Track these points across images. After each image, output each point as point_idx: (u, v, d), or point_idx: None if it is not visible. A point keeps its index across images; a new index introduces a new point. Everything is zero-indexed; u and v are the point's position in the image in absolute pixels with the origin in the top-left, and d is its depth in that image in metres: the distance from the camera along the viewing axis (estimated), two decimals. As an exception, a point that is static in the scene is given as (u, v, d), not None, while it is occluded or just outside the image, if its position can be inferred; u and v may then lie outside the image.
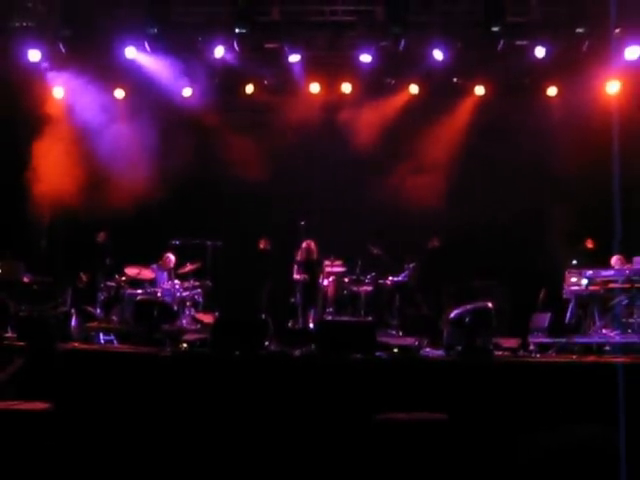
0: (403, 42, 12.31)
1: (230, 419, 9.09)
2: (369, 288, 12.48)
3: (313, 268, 12.43)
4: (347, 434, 8.81)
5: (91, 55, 13.12)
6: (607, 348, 11.06)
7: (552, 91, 13.60)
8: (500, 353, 10.77)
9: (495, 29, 11.91)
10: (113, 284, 12.36)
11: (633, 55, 12.27)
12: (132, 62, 13.03)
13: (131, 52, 12.78)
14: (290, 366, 9.82)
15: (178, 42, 12.88)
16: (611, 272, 11.83)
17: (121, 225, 13.13)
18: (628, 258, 11.92)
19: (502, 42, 12.18)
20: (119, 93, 13.94)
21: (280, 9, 12.39)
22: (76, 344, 10.93)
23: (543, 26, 12.22)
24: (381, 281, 12.55)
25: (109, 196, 13.08)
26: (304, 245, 12.45)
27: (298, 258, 12.43)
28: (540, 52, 12.47)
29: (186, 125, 13.88)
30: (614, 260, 12.01)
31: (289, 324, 11.99)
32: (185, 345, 11.12)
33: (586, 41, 12.25)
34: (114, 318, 12.23)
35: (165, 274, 12.66)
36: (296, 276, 12.44)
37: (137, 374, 9.52)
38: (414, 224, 13.40)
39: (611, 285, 11.68)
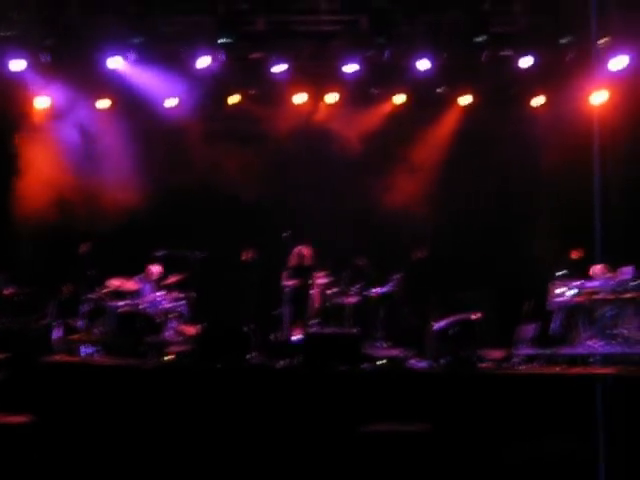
0: (388, 52, 12.32)
1: (214, 431, 9.08)
2: (354, 299, 12.42)
3: (304, 275, 12.30)
4: (332, 446, 8.81)
5: (75, 64, 13.01)
6: (592, 359, 11.05)
7: (537, 101, 13.62)
8: (485, 365, 10.78)
9: (479, 39, 11.93)
10: (96, 296, 12.21)
11: (618, 66, 12.28)
12: (116, 72, 12.94)
13: (115, 62, 12.69)
14: (273, 378, 9.81)
15: (162, 52, 12.80)
16: (596, 283, 11.81)
17: (105, 236, 13.06)
18: (612, 268, 11.94)
19: (487, 52, 12.19)
20: (103, 103, 13.84)
21: (265, 19, 12.32)
22: (58, 356, 10.91)
23: (528, 36, 12.19)
24: (366, 292, 12.49)
25: (93, 207, 13.04)
26: (296, 250, 12.35)
27: (290, 264, 12.34)
28: (525, 62, 12.47)
29: (171, 135, 13.84)
30: (598, 269, 12.00)
31: (273, 336, 11.89)
32: (168, 357, 11.10)
33: (571, 51, 12.26)
34: (97, 330, 12.04)
35: (149, 286, 12.55)
36: (285, 282, 12.30)
37: (120, 387, 9.49)
38: (400, 235, 13.40)
39: (596, 296, 11.67)
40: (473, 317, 11.28)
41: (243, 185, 13.48)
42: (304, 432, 9.03)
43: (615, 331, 11.43)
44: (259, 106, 13.86)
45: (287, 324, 12.15)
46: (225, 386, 9.55)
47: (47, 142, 13.64)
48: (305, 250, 12.34)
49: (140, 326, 11.61)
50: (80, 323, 12.15)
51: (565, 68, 12.57)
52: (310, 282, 12.26)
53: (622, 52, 12.20)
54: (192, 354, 10.60)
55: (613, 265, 11.92)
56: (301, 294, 12.27)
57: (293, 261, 12.35)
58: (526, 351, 11.38)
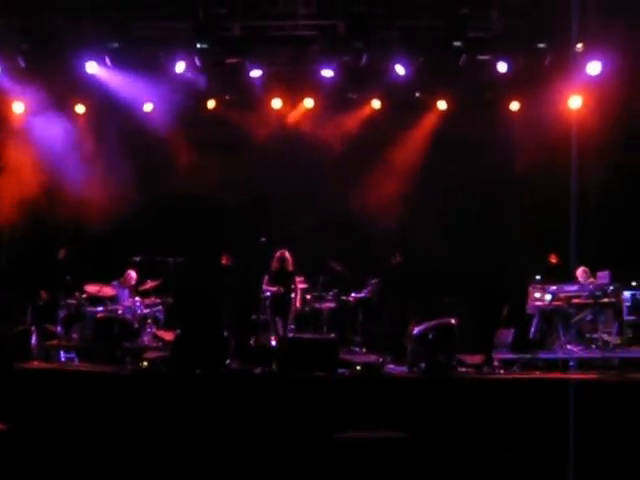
0: (365, 57, 12.28)
1: (191, 438, 9.01)
2: (332, 304, 12.40)
3: (286, 279, 12.23)
4: (308, 453, 8.76)
5: (51, 69, 12.95)
6: (571, 364, 11.08)
7: (514, 106, 13.64)
8: (464, 369, 10.80)
9: (457, 44, 11.93)
10: (73, 301, 12.18)
11: (595, 70, 12.32)
12: (93, 77, 12.88)
13: (92, 67, 12.64)
14: (251, 384, 9.76)
15: (139, 57, 12.75)
16: (575, 287, 11.87)
17: (82, 242, 13.03)
18: (592, 272, 11.98)
19: (464, 57, 12.18)
20: (80, 108, 13.80)
21: (241, 24, 12.28)
22: (35, 362, 10.89)
23: (505, 41, 12.21)
24: (344, 297, 12.48)
25: (70, 212, 12.95)
26: (278, 254, 12.25)
27: (272, 268, 12.27)
28: (502, 67, 12.50)
29: (148, 141, 13.77)
30: (579, 272, 12.05)
31: (251, 341, 11.86)
32: (146, 363, 11.08)
33: (548, 56, 12.27)
34: (74, 336, 12.07)
35: (126, 291, 12.51)
36: (267, 287, 12.21)
37: (98, 393, 9.41)
38: (376, 240, 13.38)
39: (575, 300, 11.71)
40: (452, 322, 11.29)
41: (221, 190, 13.44)
42: (281, 439, 8.97)
43: (594, 335, 11.49)
44: (237, 111, 13.83)
45: (271, 329, 12.12)
46: (203, 392, 9.48)
47: (24, 147, 13.56)
48: (287, 253, 12.28)
49: (118, 332, 11.60)
50: (58, 328, 12.13)
51: (542, 73, 12.58)
52: (293, 287, 12.22)
53: (597, 57, 12.23)
54: (170, 360, 10.53)
55: (591, 269, 12.00)
56: (282, 299, 12.20)
57: (275, 265, 12.27)
58: (505, 355, 11.43)
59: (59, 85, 13.27)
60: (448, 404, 9.22)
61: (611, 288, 11.61)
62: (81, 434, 9.02)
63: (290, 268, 12.26)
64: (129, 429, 9.07)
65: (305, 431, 8.98)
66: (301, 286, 12.41)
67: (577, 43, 12.00)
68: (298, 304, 12.24)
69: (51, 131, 13.57)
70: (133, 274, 12.59)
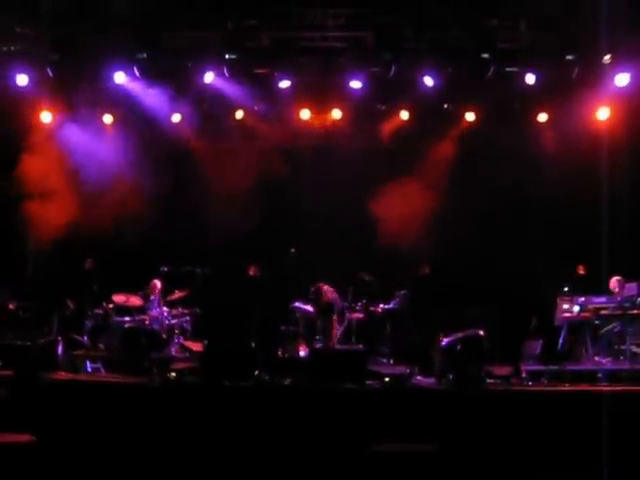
0: (394, 68, 12.28)
1: (221, 450, 8.99)
2: (360, 315, 12.38)
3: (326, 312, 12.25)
4: (338, 465, 8.72)
5: (79, 80, 13.04)
6: (599, 375, 11.00)
7: (542, 117, 13.57)
8: (492, 381, 10.72)
9: (485, 55, 11.93)
10: (100, 311, 12.23)
11: (623, 82, 12.27)
12: (121, 87, 12.94)
13: (120, 77, 12.67)
14: (280, 396, 9.74)
15: (167, 67, 12.79)
16: (603, 299, 11.80)
17: (109, 252, 13.09)
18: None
19: (492, 68, 12.17)
20: (108, 118, 13.84)
21: (270, 35, 12.32)
22: (62, 373, 10.81)
23: (533, 53, 12.18)
24: (372, 308, 12.46)
25: (97, 222, 12.96)
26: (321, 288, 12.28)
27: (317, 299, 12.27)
28: (530, 79, 12.45)
29: (175, 151, 13.84)
30: (612, 282, 11.98)
31: (279, 352, 11.84)
32: (174, 374, 11.03)
33: (576, 68, 12.25)
34: (101, 346, 12.08)
35: (154, 301, 12.50)
36: (299, 305, 12.28)
37: (124, 404, 9.40)
38: (405, 250, 13.30)
39: (603, 312, 11.65)
40: (480, 333, 11.25)
41: (248, 201, 13.41)
42: (310, 451, 8.94)
43: (622, 347, 11.42)
44: (265, 122, 13.87)
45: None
46: (232, 404, 9.46)
47: (50, 157, 13.55)
48: (326, 287, 12.30)
49: (145, 342, 11.57)
50: (85, 339, 12.15)
51: (570, 84, 12.54)
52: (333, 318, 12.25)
53: (625, 69, 12.18)
54: (198, 371, 10.52)
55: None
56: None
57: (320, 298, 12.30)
58: (533, 367, 11.38)
59: (87, 95, 13.35)
60: (476, 416, 9.19)
61: (638, 300, 11.55)
62: (107, 446, 9.00)
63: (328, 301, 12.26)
64: (156, 441, 9.05)
65: (333, 443, 8.95)
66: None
67: (605, 54, 11.97)
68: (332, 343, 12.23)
69: (79, 141, 13.65)
70: (158, 284, 12.60)
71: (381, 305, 12.52)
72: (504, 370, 11.10)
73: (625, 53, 11.98)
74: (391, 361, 12.09)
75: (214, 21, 12.14)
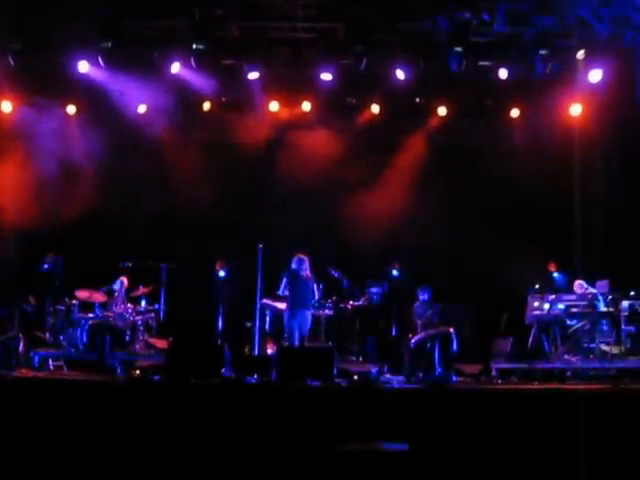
0: (365, 61, 12.10)
1: (185, 449, 8.80)
2: (329, 312, 12.23)
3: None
4: (305, 465, 8.56)
5: (42, 69, 12.66)
6: (569, 374, 11.01)
7: (515, 113, 13.51)
8: (462, 379, 10.67)
9: (458, 49, 11.79)
10: (63, 308, 11.97)
11: (596, 78, 12.22)
12: (85, 77, 12.57)
13: (84, 66, 12.34)
14: (246, 393, 9.58)
15: (133, 57, 12.47)
16: (573, 297, 11.81)
17: (71, 247, 12.76)
18: (591, 281, 11.90)
19: (465, 62, 12.04)
20: (71, 109, 13.54)
21: (238, 25, 12.08)
22: (23, 371, 10.62)
23: (506, 47, 12.07)
24: (342, 305, 12.30)
25: (58, 216, 12.69)
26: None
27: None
28: (503, 73, 12.35)
29: (140, 143, 13.52)
30: (576, 285, 11.99)
31: (245, 350, 11.68)
32: (138, 371, 10.87)
33: (549, 63, 12.16)
34: (64, 343, 11.84)
35: (118, 297, 12.25)
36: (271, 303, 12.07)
37: (87, 403, 9.16)
38: (375, 247, 13.20)
39: (573, 310, 11.66)
40: (450, 331, 11.20)
41: (215, 195, 13.21)
42: (277, 450, 8.78)
43: (591, 345, 11.44)
44: (232, 114, 13.65)
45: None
46: (198, 402, 9.27)
47: (11, 148, 13.26)
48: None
49: (109, 339, 11.39)
50: (47, 336, 11.90)
51: (543, 80, 12.47)
52: None
53: (598, 65, 12.14)
54: (164, 368, 10.32)
55: (590, 278, 11.90)
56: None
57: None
58: (503, 365, 11.34)
59: (50, 85, 12.99)
60: (445, 414, 9.07)
61: (609, 298, 11.61)
62: (69, 445, 8.78)
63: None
64: (120, 440, 8.84)
65: (300, 442, 8.79)
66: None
67: (579, 50, 11.92)
68: None
69: (40, 132, 13.30)
70: (124, 280, 12.35)
71: (351, 302, 12.38)
72: (474, 368, 11.13)
73: (599, 49, 11.93)
74: (360, 359, 11.97)
75: (181, 10, 11.86)
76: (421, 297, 11.84)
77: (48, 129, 13.24)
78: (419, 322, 11.62)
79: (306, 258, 11.59)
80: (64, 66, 12.43)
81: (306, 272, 11.56)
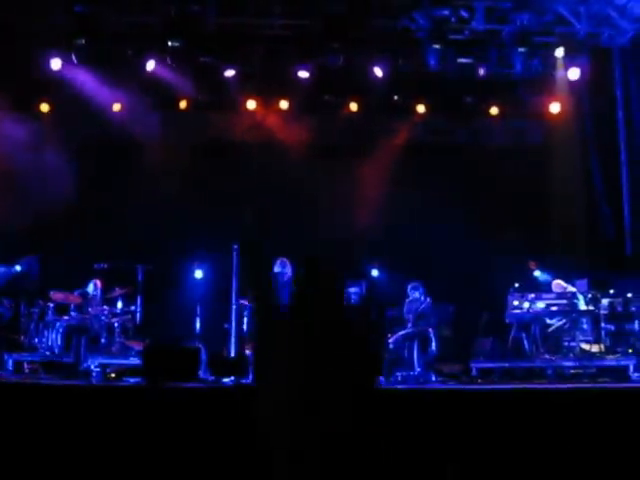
0: (342, 58, 12.03)
1: (161, 452, 8.67)
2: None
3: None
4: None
5: (13, 66, 12.46)
6: (549, 372, 10.98)
7: (494, 110, 13.46)
8: (442, 379, 10.60)
9: (436, 47, 11.74)
10: (37, 310, 11.72)
11: (574, 76, 12.22)
12: (58, 74, 12.43)
13: (57, 63, 12.23)
14: (224, 396, 9.47)
15: (107, 54, 12.34)
16: (553, 295, 11.75)
17: (45, 248, 12.55)
18: (570, 280, 11.89)
19: (444, 59, 11.98)
20: (44, 107, 13.31)
21: (214, 22, 11.98)
22: (-4, 374, 10.44)
23: (485, 45, 12.04)
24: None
25: (32, 217, 12.49)
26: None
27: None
28: (481, 71, 12.32)
29: (115, 141, 13.33)
30: (554, 285, 11.95)
31: (223, 352, 11.55)
32: (114, 375, 10.71)
33: (528, 61, 12.13)
34: (39, 346, 11.61)
35: (93, 299, 12.07)
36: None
37: (62, 407, 9.01)
38: (352, 245, 13.09)
39: (553, 308, 11.60)
40: (429, 330, 11.13)
41: (191, 193, 13.08)
42: (253, 454, 8.68)
43: (571, 344, 11.39)
44: (209, 112, 13.52)
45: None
46: (175, 404, 9.15)
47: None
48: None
49: (85, 341, 11.21)
50: (22, 338, 11.69)
51: (522, 77, 12.44)
52: None
53: (577, 63, 12.15)
54: (139, 371, 10.19)
55: (569, 277, 11.89)
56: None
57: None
58: (483, 364, 11.30)
59: (21, 82, 12.76)
60: (424, 415, 9.00)
61: (589, 296, 11.55)
62: (44, 450, 8.62)
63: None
64: (95, 444, 8.70)
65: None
66: None
67: (557, 48, 11.93)
68: None
69: (11, 131, 13.08)
70: (97, 282, 12.17)
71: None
72: (454, 368, 11.06)
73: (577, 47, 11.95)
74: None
75: (156, 6, 11.76)
76: (412, 294, 11.76)
77: (20, 129, 13.05)
78: (411, 317, 11.52)
79: (287, 261, 11.52)
80: (36, 63, 12.25)
81: (288, 275, 11.49)
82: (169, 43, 11.85)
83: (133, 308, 12.10)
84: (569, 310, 11.46)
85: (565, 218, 11.62)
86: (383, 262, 12.61)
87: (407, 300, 11.82)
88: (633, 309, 11.39)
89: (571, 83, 12.35)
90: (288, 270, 11.45)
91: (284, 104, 13.47)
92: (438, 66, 11.98)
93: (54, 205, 12.58)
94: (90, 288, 12.04)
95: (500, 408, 8.96)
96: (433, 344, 11.05)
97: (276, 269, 11.45)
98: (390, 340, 11.21)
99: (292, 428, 5.80)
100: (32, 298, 11.81)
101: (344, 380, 5.83)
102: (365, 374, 6.32)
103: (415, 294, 11.74)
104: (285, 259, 11.48)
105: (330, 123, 13.66)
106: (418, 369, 10.86)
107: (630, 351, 11.10)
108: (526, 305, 11.67)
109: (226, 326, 11.85)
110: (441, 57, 11.86)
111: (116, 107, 13.25)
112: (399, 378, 10.53)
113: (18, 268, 11.93)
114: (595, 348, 11.35)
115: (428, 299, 11.57)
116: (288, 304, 11.00)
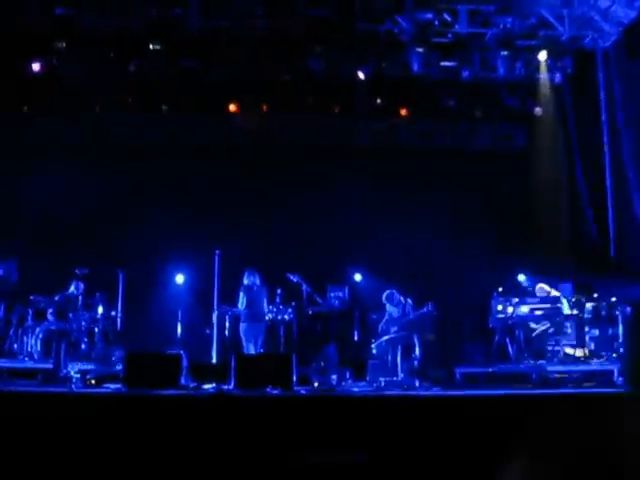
0: (325, 61, 12.00)
1: (142, 460, 8.59)
2: (289, 318, 12.06)
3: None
4: (263, 476, 8.40)
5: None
6: (533, 377, 10.94)
7: (478, 113, 13.45)
8: (426, 384, 10.53)
9: (420, 50, 11.72)
10: (17, 315, 11.62)
11: (557, 79, 12.26)
12: (39, 77, 12.36)
13: (37, 66, 12.16)
14: (204, 402, 9.39)
15: (89, 56, 12.26)
16: (537, 300, 11.72)
17: (25, 253, 12.44)
18: (554, 284, 11.87)
19: (427, 63, 11.96)
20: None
21: (198, 24, 11.90)
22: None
23: (468, 48, 12.03)
24: (303, 311, 12.14)
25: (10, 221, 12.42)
26: None
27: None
28: (465, 73, 12.31)
29: (98, 145, 13.27)
30: (537, 289, 11.94)
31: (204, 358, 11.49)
32: (94, 381, 10.61)
33: (512, 62, 12.12)
34: (18, 352, 11.49)
35: (74, 305, 11.97)
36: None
37: (42, 415, 8.92)
38: (337, 252, 13.05)
39: (537, 313, 11.58)
40: (414, 335, 11.09)
41: (173, 199, 13.01)
42: (236, 461, 8.60)
43: (555, 348, 11.37)
44: (191, 114, 13.41)
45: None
46: (156, 411, 9.07)
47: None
48: None
49: (65, 347, 11.10)
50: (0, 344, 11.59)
51: (506, 80, 12.45)
52: None
53: (560, 66, 12.17)
54: (121, 378, 10.10)
55: (553, 281, 11.87)
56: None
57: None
58: (468, 369, 11.26)
59: (2, 84, 12.68)
60: (409, 421, 8.94)
61: (573, 300, 11.54)
62: (25, 459, 8.54)
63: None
64: (76, 452, 8.62)
65: (260, 451, 8.62)
66: None
67: (540, 51, 11.94)
68: None
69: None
70: (80, 286, 12.08)
71: (313, 307, 12.21)
72: (439, 373, 11.01)
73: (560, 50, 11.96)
74: (322, 364, 11.81)
75: (138, 9, 11.66)
76: (390, 304, 11.70)
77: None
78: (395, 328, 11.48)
79: (255, 271, 11.53)
80: (18, 65, 12.22)
81: (257, 285, 11.50)
82: (150, 46, 11.77)
83: (114, 313, 12.02)
84: (553, 314, 11.46)
85: (549, 221, 11.59)
86: (366, 267, 12.58)
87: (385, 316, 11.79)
88: (617, 313, 11.40)
89: (554, 86, 12.35)
90: (256, 279, 11.50)
91: (267, 106, 13.46)
92: (421, 69, 11.96)
93: (33, 209, 12.57)
94: (71, 291, 11.97)
95: (485, 413, 8.98)
96: (417, 350, 11.02)
97: (245, 280, 11.49)
98: (373, 345, 11.19)
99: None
100: (11, 303, 11.74)
101: None
102: None
103: (388, 307, 11.68)
104: (252, 269, 11.52)
105: (313, 126, 13.61)
106: (402, 375, 10.85)
107: (614, 355, 11.12)
108: (510, 309, 11.66)
109: (207, 332, 11.83)
110: (424, 60, 11.87)
111: (98, 110, 13.21)
112: (382, 384, 10.52)
113: None
114: (579, 352, 11.32)
115: (409, 302, 11.55)
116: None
